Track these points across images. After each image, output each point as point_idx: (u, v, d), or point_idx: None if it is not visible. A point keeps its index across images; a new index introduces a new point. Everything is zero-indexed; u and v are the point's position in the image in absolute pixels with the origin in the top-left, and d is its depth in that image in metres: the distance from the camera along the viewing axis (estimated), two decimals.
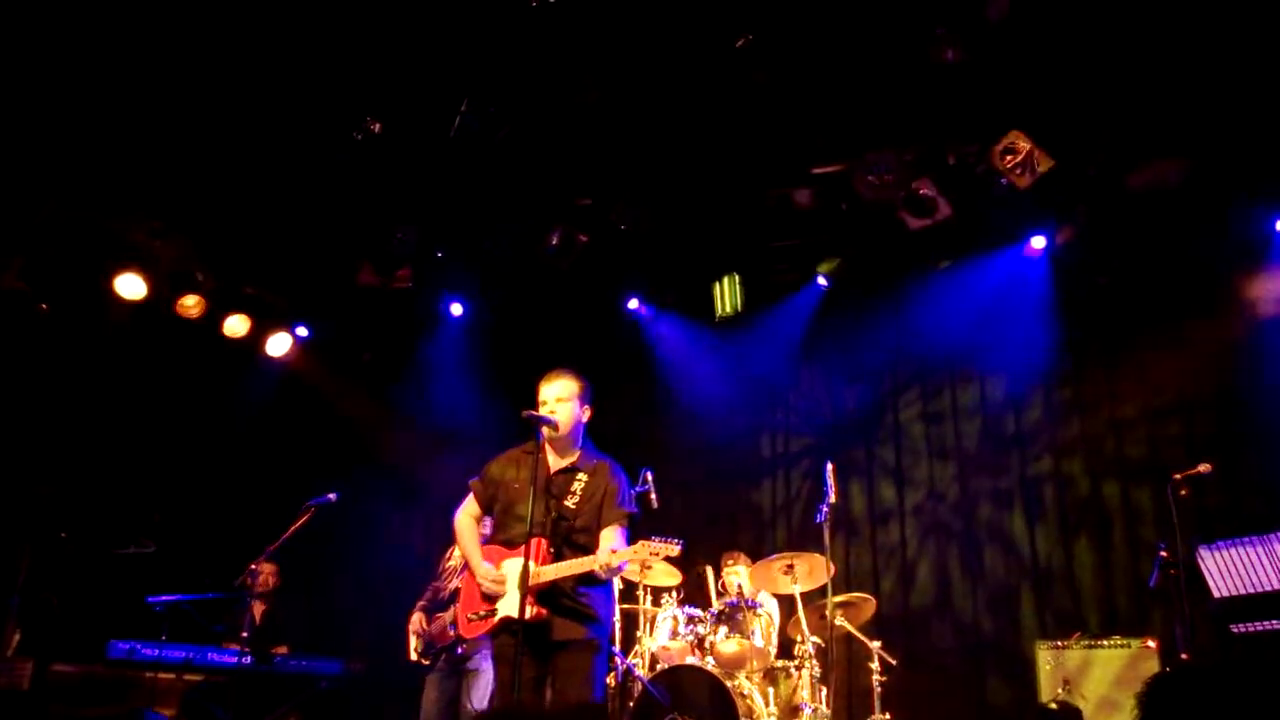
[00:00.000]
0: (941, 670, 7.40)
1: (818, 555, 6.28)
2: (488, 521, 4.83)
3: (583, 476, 4.50)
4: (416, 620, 6.10)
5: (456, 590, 5.99)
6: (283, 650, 6.79)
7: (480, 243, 7.29)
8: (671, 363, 8.49)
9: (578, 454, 4.57)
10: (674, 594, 6.67)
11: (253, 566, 5.91)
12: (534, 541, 4.22)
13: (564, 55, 5.89)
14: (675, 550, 4.23)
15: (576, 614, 4.34)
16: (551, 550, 4.33)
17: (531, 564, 4.15)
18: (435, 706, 5.92)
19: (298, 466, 8.13)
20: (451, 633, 5.87)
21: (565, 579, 4.30)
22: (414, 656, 6.08)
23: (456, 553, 6.33)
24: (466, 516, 4.73)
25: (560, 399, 4.49)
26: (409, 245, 7.35)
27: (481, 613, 4.45)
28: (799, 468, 8.41)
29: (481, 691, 5.85)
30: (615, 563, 4.23)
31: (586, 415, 4.59)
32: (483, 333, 8.53)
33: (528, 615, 4.11)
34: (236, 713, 6.08)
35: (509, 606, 4.31)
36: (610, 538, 4.37)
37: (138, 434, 7.83)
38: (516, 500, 4.48)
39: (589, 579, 4.33)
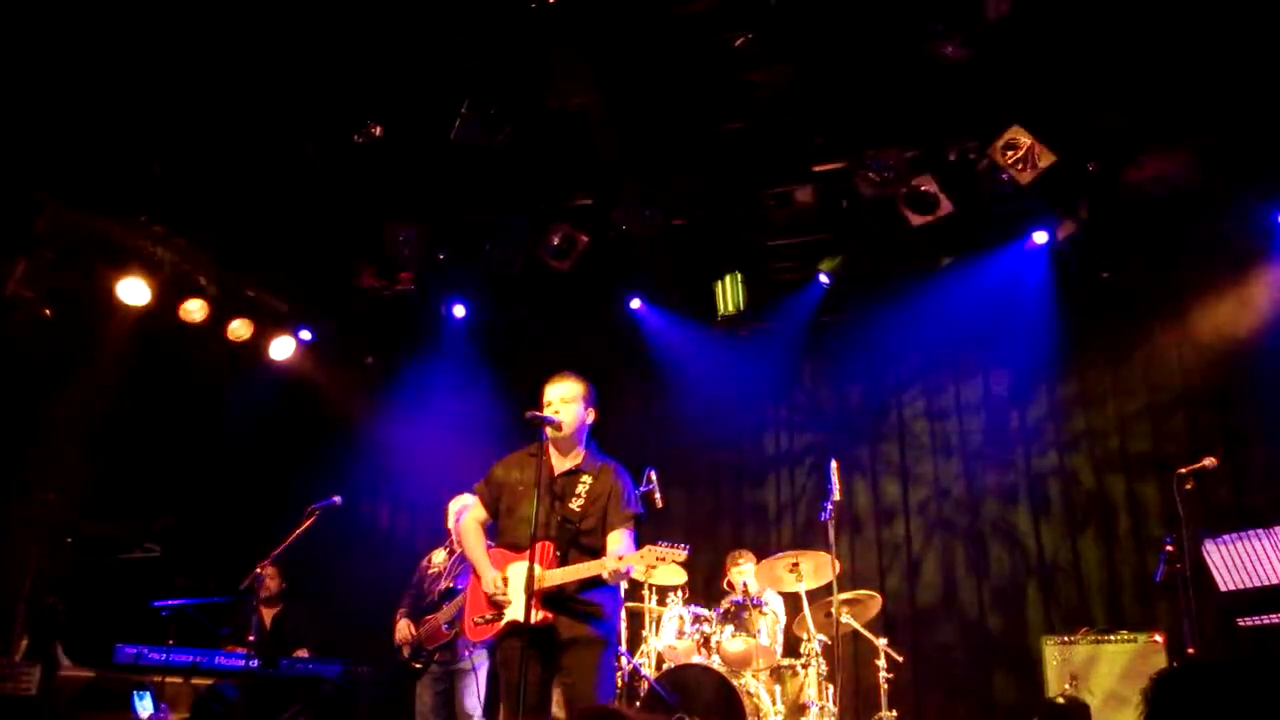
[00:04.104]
0: (948, 667, 7.41)
1: (823, 553, 6.28)
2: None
3: (587, 479, 4.46)
4: (403, 628, 6.10)
5: (446, 591, 6.01)
6: (303, 654, 6.77)
7: (482, 245, 7.27)
8: (674, 362, 8.48)
9: (582, 456, 4.54)
10: (679, 593, 6.68)
11: (258, 570, 5.92)
12: (539, 545, 4.19)
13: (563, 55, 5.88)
14: (682, 556, 4.20)
15: (583, 614, 4.31)
16: (558, 553, 4.31)
17: (537, 568, 4.12)
18: (429, 708, 5.93)
19: (300, 470, 8.13)
20: (447, 632, 5.86)
21: (571, 582, 4.28)
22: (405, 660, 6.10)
23: (436, 557, 6.34)
24: (472, 521, 4.68)
25: (565, 400, 4.46)
26: (411, 248, 7.34)
27: (488, 616, 4.44)
28: (803, 465, 8.41)
29: (474, 690, 5.85)
30: (623, 568, 4.21)
31: (591, 418, 4.56)
32: (485, 335, 8.53)
33: (534, 620, 4.08)
34: (245, 716, 6.08)
35: (516, 611, 4.29)
36: (617, 541, 4.35)
37: (142, 438, 7.83)
38: (520, 502, 4.46)
39: (595, 581, 4.30)
